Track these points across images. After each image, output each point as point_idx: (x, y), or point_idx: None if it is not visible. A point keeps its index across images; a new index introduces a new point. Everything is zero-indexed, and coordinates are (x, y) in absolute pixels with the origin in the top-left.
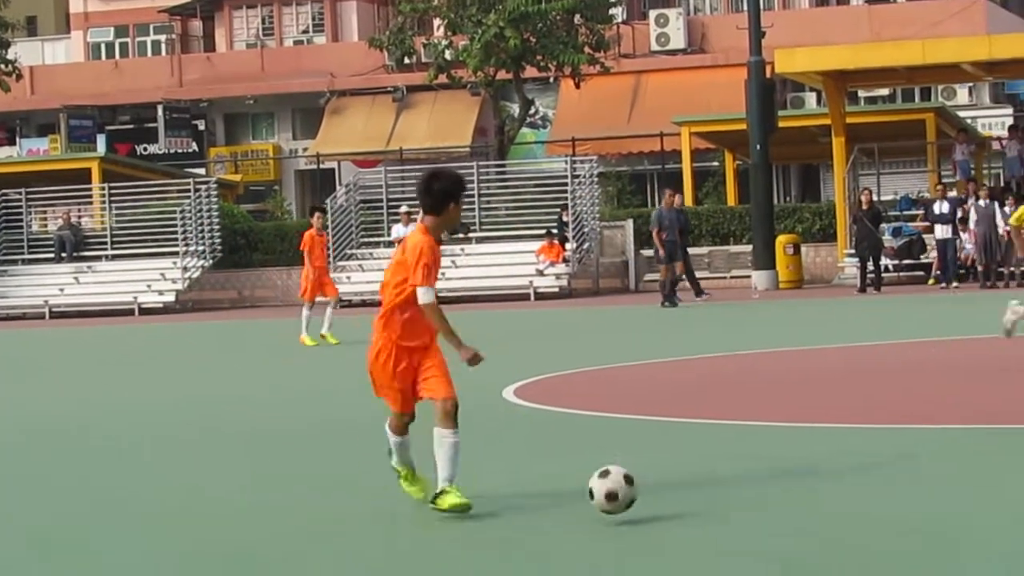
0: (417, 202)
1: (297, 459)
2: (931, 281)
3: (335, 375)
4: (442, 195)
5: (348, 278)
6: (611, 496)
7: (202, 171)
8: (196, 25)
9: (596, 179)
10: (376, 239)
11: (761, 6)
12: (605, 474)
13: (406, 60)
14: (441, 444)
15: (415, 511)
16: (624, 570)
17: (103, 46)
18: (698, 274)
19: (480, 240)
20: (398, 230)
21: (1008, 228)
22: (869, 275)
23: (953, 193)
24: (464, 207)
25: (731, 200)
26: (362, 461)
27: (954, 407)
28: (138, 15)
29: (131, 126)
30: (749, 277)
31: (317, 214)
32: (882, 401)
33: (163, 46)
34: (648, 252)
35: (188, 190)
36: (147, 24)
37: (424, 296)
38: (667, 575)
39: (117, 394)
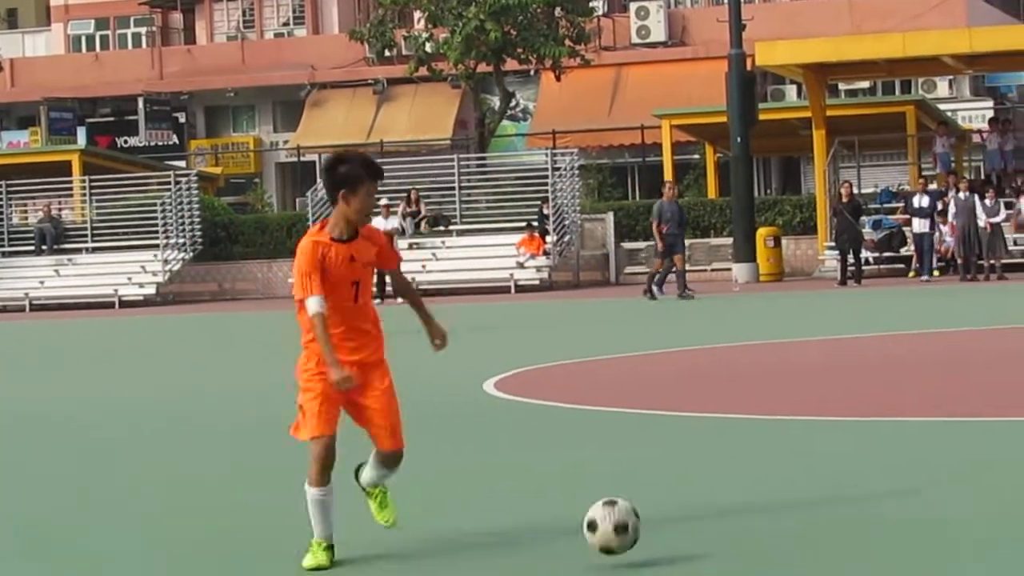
0: (395, 192)
1: (287, 452)
2: (911, 274)
3: None
4: (330, 185)
5: None
6: (621, 528)
7: (182, 164)
8: (176, 17)
9: (577, 172)
10: None
11: None
12: (611, 503)
13: (387, 53)
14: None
15: (401, 510)
16: (603, 571)
17: (83, 38)
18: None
19: (461, 233)
20: (378, 223)
21: (990, 222)
22: (849, 268)
23: (933, 186)
24: (444, 200)
25: (712, 193)
26: (351, 457)
27: (935, 400)
28: (118, 8)
29: (111, 119)
30: (730, 270)
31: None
32: (864, 395)
33: (143, 39)
34: (630, 245)
35: (168, 183)
36: (127, 17)
37: (312, 306)
38: None
39: (102, 387)
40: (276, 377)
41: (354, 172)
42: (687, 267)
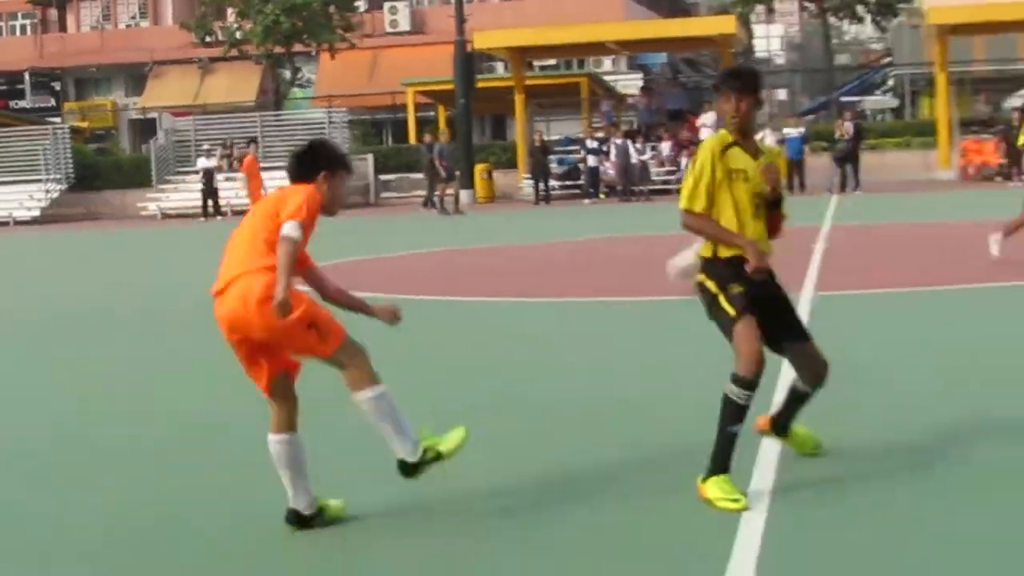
0: (215, 140)
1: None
2: (587, 201)
3: (194, 266)
4: (312, 159)
5: (167, 196)
6: None
7: (59, 120)
8: (53, 12)
9: (347, 125)
10: (187, 169)
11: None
12: None
13: (208, 39)
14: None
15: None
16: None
17: None
18: (417, 192)
19: (262, 170)
20: (202, 162)
21: (640, 159)
22: (541, 192)
23: (600, 134)
24: (244, 145)
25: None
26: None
27: (594, 286)
28: (9, 5)
29: (4, 87)
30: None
31: (253, 144)
32: (554, 283)
33: (28, 28)
34: (385, 177)
35: (48, 134)
36: (16, 11)
37: (290, 230)
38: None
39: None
40: (166, 276)
41: (340, 159)
42: (420, 193)
